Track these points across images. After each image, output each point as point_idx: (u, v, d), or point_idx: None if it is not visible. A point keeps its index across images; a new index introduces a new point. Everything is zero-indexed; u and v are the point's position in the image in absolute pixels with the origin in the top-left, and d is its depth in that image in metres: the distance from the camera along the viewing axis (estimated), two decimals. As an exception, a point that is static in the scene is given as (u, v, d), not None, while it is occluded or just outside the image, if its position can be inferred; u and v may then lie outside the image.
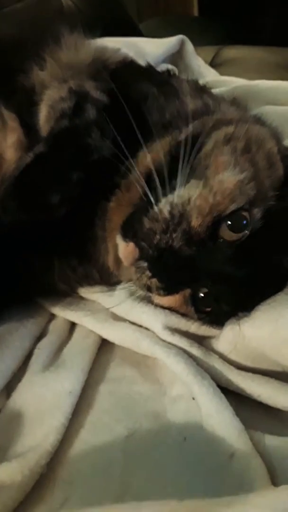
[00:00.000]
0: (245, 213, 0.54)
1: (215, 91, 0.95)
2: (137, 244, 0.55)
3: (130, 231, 0.57)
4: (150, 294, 0.60)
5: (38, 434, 0.50)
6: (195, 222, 0.54)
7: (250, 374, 0.54)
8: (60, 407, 0.52)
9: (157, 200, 0.56)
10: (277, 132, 0.67)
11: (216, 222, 0.54)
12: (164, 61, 1.45)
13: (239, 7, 2.72)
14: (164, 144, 0.62)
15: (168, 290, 0.56)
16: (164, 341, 0.58)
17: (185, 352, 0.57)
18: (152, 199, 0.56)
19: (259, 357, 0.55)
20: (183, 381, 0.53)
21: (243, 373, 0.54)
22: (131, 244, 0.56)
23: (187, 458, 0.48)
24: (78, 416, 0.53)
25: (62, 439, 0.50)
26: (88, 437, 0.51)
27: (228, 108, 0.72)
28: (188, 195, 0.55)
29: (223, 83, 1.02)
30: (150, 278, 0.55)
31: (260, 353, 0.54)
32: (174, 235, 0.53)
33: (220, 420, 0.48)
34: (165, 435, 0.51)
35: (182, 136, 0.60)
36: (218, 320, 0.58)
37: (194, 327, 0.60)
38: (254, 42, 1.90)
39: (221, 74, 1.47)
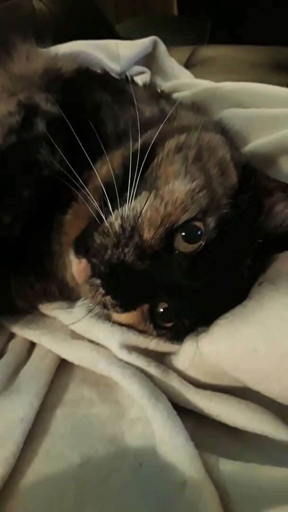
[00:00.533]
0: (199, 223, 0.52)
1: (179, 94, 0.93)
2: (89, 261, 0.53)
3: (82, 247, 0.55)
4: (108, 312, 0.58)
5: (-12, 466, 0.48)
6: (147, 234, 0.52)
7: (208, 392, 0.52)
8: (11, 435, 0.50)
9: (108, 213, 0.54)
10: (234, 138, 0.66)
11: (169, 234, 0.52)
12: (137, 63, 1.43)
13: (219, 6, 2.70)
14: (116, 156, 0.60)
15: (124, 307, 0.54)
16: (121, 360, 0.56)
17: (142, 371, 0.54)
18: (102, 213, 0.54)
19: (218, 373, 0.53)
20: (138, 404, 0.51)
21: (201, 392, 0.52)
22: (84, 261, 0.54)
23: (141, 486, 0.46)
24: (31, 443, 0.51)
25: (13, 469, 0.48)
26: (41, 466, 0.49)
27: (186, 114, 0.70)
28: (139, 207, 0.53)
29: (188, 86, 1.00)
30: (104, 295, 0.53)
31: (219, 369, 0.52)
32: (126, 250, 0.51)
33: (173, 446, 0.46)
34: (121, 461, 0.49)
35: (134, 147, 0.58)
36: (178, 335, 0.56)
37: (153, 343, 0.58)
38: (234, 41, 1.89)
39: (196, 74, 1.45)
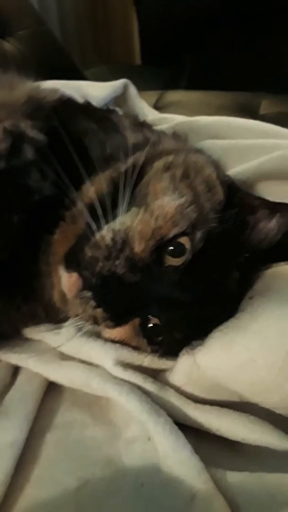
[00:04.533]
0: (185, 238, 0.54)
1: (157, 128, 0.97)
2: (80, 274, 0.53)
3: (73, 261, 0.55)
4: (98, 328, 0.57)
5: (-23, 495, 0.44)
6: (138, 247, 0.53)
7: (207, 407, 0.52)
8: (0, 462, 0.47)
9: (100, 228, 0.55)
10: (217, 162, 0.69)
11: (159, 247, 0.54)
12: (108, 104, 1.49)
13: (182, 54, 2.86)
14: (106, 176, 0.62)
15: (115, 320, 0.54)
16: (116, 378, 0.55)
17: (139, 388, 0.53)
18: (94, 227, 0.55)
19: (215, 387, 0.52)
20: (137, 420, 0.50)
21: (200, 406, 0.51)
22: (74, 275, 0.54)
23: (145, 506, 0.44)
24: (22, 469, 0.48)
25: (4, 497, 0.45)
26: (35, 492, 0.46)
27: (169, 141, 0.73)
28: (129, 221, 0.54)
29: (164, 120, 1.05)
30: (94, 308, 0.52)
31: (216, 383, 0.52)
32: (117, 262, 0.52)
33: (178, 459, 0.44)
34: (121, 482, 0.46)
35: (124, 167, 0.60)
36: (171, 350, 0.56)
37: (148, 360, 0.57)
38: (197, 88, 2.00)
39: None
